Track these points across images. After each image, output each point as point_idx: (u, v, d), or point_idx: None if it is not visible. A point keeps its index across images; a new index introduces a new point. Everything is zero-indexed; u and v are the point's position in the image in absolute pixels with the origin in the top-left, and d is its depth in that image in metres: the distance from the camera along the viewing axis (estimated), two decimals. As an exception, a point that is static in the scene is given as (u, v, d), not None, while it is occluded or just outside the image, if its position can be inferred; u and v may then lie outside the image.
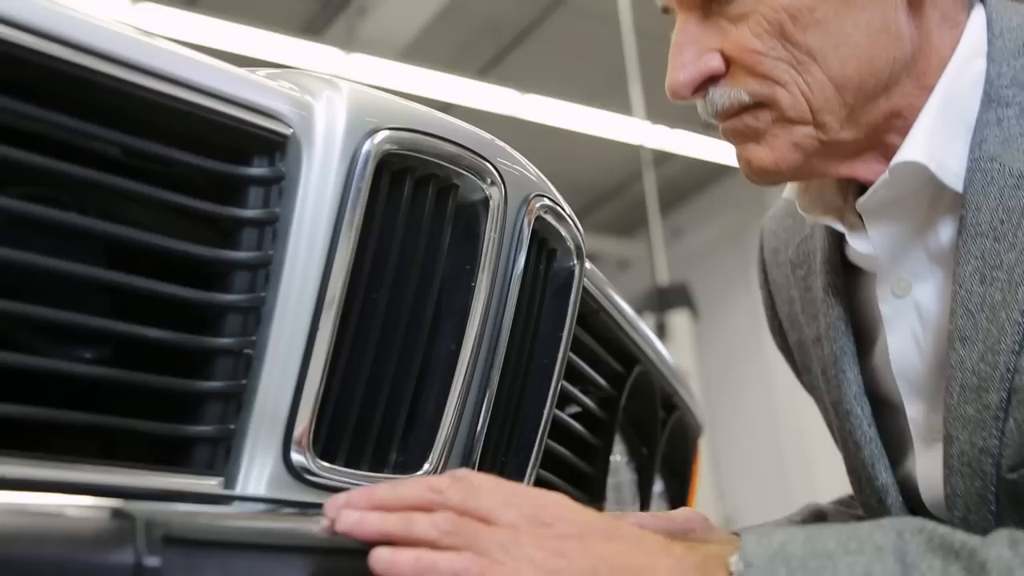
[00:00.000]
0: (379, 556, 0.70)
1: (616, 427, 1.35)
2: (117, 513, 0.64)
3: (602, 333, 1.29)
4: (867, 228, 1.03)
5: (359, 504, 0.74)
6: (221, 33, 5.87)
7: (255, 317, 0.81)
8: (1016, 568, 0.66)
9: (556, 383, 1.07)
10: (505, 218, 0.95)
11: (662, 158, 7.54)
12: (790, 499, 7.56)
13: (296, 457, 0.81)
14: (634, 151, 6.54)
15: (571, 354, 1.11)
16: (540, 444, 1.05)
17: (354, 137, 0.84)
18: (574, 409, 1.28)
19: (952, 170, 0.96)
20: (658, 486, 1.68)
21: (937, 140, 0.97)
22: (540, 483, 1.09)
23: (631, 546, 0.73)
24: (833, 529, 0.73)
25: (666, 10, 1.05)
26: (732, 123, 1.01)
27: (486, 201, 0.94)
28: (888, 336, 1.06)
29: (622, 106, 6.33)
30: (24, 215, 0.70)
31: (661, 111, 6.63)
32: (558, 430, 1.16)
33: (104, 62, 0.72)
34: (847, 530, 0.72)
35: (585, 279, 1.10)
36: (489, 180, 0.94)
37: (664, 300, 6.13)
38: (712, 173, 8.45)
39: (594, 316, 1.25)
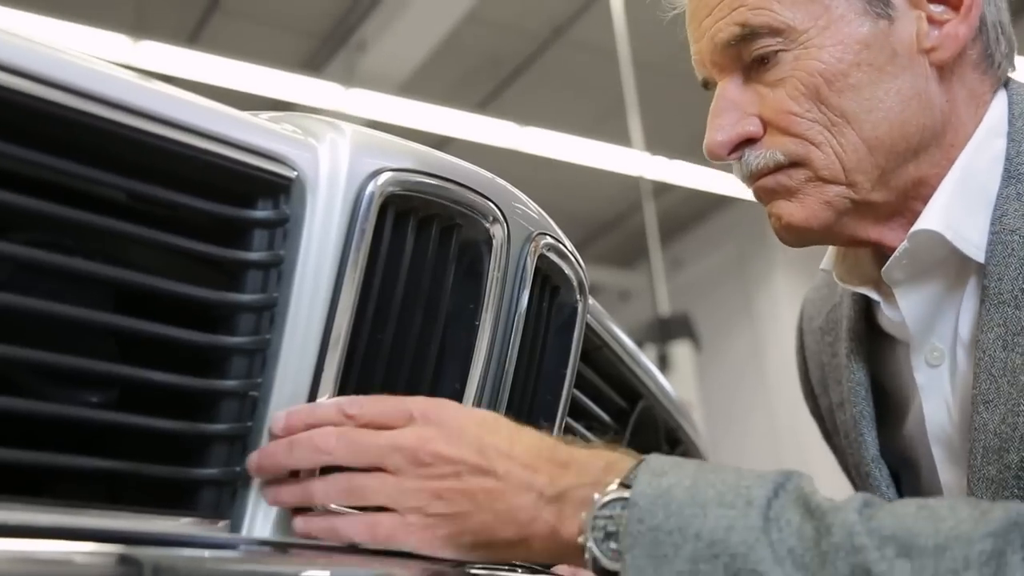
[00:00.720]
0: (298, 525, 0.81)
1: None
2: (124, 559, 0.64)
3: (605, 369, 1.29)
4: (897, 298, 1.06)
5: (295, 426, 0.80)
6: (222, 70, 5.90)
7: (260, 359, 0.81)
8: (856, 531, 0.69)
9: (561, 420, 1.07)
10: (508, 257, 0.96)
11: (662, 189, 7.55)
12: (795, 530, 7.50)
13: (302, 499, 0.81)
14: (634, 182, 6.55)
15: (575, 390, 1.11)
16: (545, 482, 1.05)
17: (357, 179, 0.85)
18: (578, 445, 1.28)
19: (972, 241, 0.99)
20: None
21: (955, 211, 1.00)
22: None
23: (499, 484, 0.79)
24: (724, 476, 0.76)
25: (706, 84, 1.10)
26: (765, 181, 1.04)
27: (489, 240, 0.94)
28: (924, 404, 1.08)
29: (621, 138, 6.35)
30: (30, 261, 0.70)
31: (660, 142, 6.65)
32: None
33: (109, 108, 0.72)
34: (733, 481, 0.75)
35: (588, 315, 1.10)
36: (492, 219, 0.94)
37: (666, 331, 6.11)
38: (712, 203, 8.46)
39: (597, 352, 1.25)
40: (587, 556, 0.76)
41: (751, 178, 1.06)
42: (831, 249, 1.16)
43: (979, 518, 0.68)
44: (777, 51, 1.01)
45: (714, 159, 1.06)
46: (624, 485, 0.76)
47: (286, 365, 0.81)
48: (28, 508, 0.67)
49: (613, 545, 0.75)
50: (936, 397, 1.06)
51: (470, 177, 0.94)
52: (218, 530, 0.78)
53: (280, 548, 0.80)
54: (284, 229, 0.82)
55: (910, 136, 1.01)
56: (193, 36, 6.39)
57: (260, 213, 0.82)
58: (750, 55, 1.03)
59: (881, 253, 1.08)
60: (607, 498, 0.76)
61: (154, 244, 0.77)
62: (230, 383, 0.79)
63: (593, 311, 1.17)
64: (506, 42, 6.72)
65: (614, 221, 8.86)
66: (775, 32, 1.01)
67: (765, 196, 1.06)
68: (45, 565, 0.63)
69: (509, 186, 0.99)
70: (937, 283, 1.04)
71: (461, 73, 6.95)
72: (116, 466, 0.74)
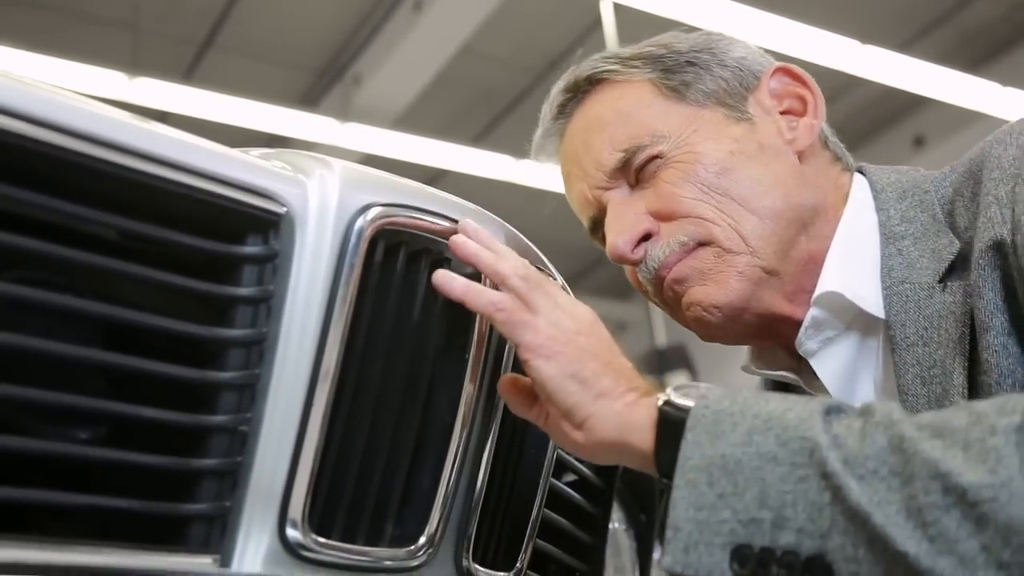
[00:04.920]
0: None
1: (614, 495, 1.34)
2: (113, 595, 0.64)
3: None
4: (814, 367, 1.11)
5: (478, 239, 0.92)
6: (218, 106, 5.93)
7: (250, 394, 0.81)
8: (895, 412, 0.76)
9: (552, 452, 1.07)
10: (497, 289, 0.96)
11: (657, 220, 7.57)
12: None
13: (292, 533, 0.81)
14: (629, 214, 6.56)
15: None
16: (537, 514, 1.05)
17: (347, 214, 0.85)
18: (571, 477, 1.28)
19: (869, 299, 1.07)
20: (658, 553, 1.67)
21: (847, 275, 1.08)
22: (537, 554, 1.08)
23: (614, 380, 0.89)
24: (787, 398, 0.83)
25: (595, 226, 1.20)
26: (677, 270, 1.11)
27: (478, 273, 0.95)
28: None
29: (616, 170, 6.38)
30: (21, 299, 0.71)
31: (655, 174, 6.67)
32: (555, 499, 1.16)
33: (100, 147, 0.73)
34: (795, 397, 0.83)
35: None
36: (481, 252, 0.95)
37: (663, 362, 6.11)
38: (707, 234, 8.47)
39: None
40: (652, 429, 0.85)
41: (659, 271, 1.11)
42: (747, 351, 1.24)
43: (1008, 408, 0.73)
44: (657, 155, 1.12)
45: (621, 261, 1.14)
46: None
47: (275, 400, 0.81)
48: (17, 545, 0.67)
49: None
50: None
51: (459, 211, 0.94)
52: (208, 565, 0.78)
53: (270, 583, 0.80)
54: (273, 264, 0.83)
55: (794, 207, 1.10)
56: (189, 72, 6.43)
57: (250, 249, 0.83)
58: (633, 168, 1.13)
59: (791, 347, 1.14)
60: (668, 398, 0.85)
61: (144, 280, 0.78)
62: (220, 418, 0.80)
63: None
64: (501, 76, 6.76)
65: (610, 252, 8.88)
66: (655, 140, 1.12)
67: (678, 288, 1.12)
68: (34, 602, 0.63)
69: (498, 219, 1.00)
70: (848, 345, 1.11)
71: (456, 106, 6.99)
72: (105, 502, 0.74)
